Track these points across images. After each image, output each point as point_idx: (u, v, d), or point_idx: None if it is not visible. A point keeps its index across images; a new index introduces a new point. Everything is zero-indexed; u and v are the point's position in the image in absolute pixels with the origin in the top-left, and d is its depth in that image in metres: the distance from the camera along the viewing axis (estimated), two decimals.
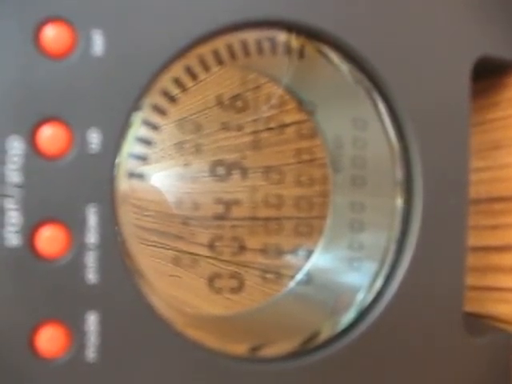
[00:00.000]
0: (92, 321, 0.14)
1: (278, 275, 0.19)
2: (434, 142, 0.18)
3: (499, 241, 0.22)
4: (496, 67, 0.20)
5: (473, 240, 0.22)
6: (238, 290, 0.18)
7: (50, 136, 0.13)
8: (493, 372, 0.20)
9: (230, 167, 0.18)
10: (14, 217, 0.13)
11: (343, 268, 0.20)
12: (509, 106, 0.22)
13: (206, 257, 0.17)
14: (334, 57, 0.17)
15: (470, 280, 0.22)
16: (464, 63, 0.19)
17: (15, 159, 0.13)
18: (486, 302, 0.22)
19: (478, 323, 0.22)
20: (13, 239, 0.13)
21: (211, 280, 0.17)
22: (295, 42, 0.17)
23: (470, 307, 0.22)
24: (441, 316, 0.18)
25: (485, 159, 0.22)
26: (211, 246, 0.17)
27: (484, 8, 0.19)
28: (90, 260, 0.13)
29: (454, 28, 0.18)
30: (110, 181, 0.14)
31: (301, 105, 0.19)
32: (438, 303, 0.18)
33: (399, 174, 0.18)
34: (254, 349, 0.17)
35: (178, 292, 0.18)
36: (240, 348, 0.17)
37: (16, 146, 0.13)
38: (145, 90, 0.14)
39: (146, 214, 0.17)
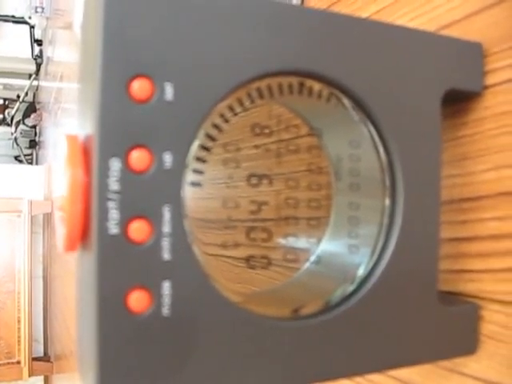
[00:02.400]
0: (166, 287, 0.18)
1: (296, 257, 0.24)
2: (412, 155, 0.22)
3: (468, 233, 0.26)
4: (462, 95, 0.25)
5: (447, 232, 0.26)
6: (266, 267, 0.23)
7: (137, 157, 0.17)
8: (463, 334, 0.24)
9: (261, 177, 0.23)
10: (114, 213, 0.17)
11: (345, 252, 0.24)
12: (474, 126, 0.25)
13: (244, 243, 0.22)
14: (342, 96, 0.22)
15: (445, 265, 0.26)
16: (435, 95, 0.23)
17: (115, 174, 0.17)
18: (458, 282, 0.26)
19: (451, 298, 0.26)
20: (113, 229, 0.17)
21: (248, 259, 0.23)
22: (317, 86, 0.21)
23: (445, 287, 0.26)
24: (419, 288, 0.22)
25: (456, 168, 0.26)
26: (248, 235, 0.23)
27: (450, 55, 0.23)
28: (166, 244, 0.18)
29: (427, 71, 0.23)
30: (179, 188, 0.18)
31: (311, 130, 0.23)
32: (417, 279, 0.22)
33: (387, 180, 0.22)
34: (295, 310, 0.21)
35: (224, 273, 0.23)
36: (284, 312, 0.21)
37: (115, 165, 0.17)
38: (201, 123, 0.18)
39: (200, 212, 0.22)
